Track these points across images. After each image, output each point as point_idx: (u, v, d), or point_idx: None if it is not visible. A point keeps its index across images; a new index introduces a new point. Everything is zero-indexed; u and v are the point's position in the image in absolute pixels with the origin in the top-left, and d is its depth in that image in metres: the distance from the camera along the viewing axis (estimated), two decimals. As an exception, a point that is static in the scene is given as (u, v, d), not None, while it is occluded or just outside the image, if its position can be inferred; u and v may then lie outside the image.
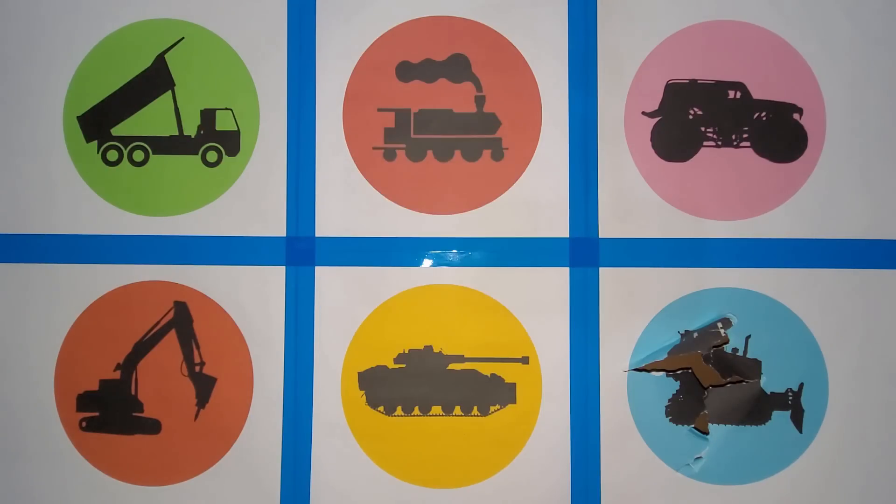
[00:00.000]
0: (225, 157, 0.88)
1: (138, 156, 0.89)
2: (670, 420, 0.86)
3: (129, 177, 0.88)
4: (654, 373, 0.86)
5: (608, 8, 0.88)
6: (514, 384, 0.86)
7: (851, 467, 0.85)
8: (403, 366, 0.87)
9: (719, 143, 0.87)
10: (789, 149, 0.87)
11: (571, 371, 0.86)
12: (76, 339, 0.88)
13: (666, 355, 0.86)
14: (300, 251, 0.87)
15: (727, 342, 0.85)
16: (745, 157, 0.87)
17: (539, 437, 0.86)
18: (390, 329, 0.87)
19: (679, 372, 0.86)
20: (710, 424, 0.86)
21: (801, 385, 0.85)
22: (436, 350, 0.87)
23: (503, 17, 0.88)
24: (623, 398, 0.85)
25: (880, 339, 0.86)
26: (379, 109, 0.88)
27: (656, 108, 0.88)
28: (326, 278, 0.87)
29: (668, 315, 0.86)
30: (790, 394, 0.85)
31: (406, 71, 0.89)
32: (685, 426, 0.86)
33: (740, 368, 0.85)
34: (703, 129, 0.88)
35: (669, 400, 0.86)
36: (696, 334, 0.86)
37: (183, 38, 0.89)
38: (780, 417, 0.85)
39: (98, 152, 0.89)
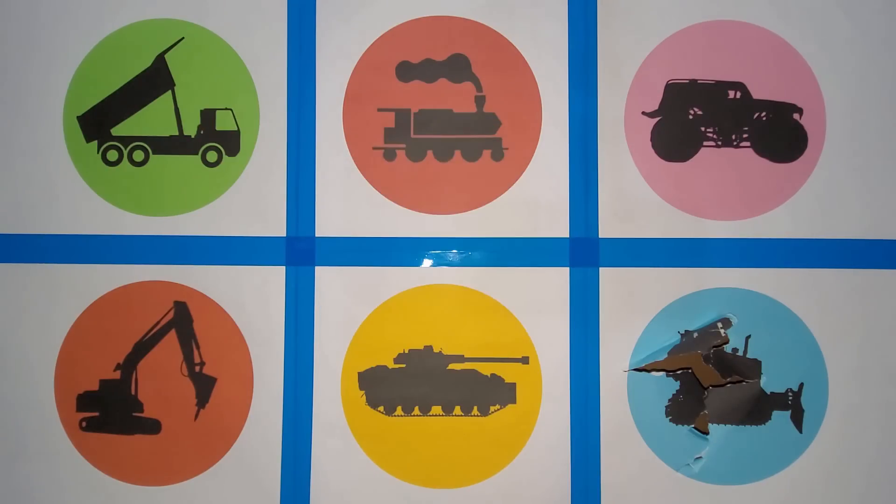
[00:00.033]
0: (225, 157, 0.88)
1: (138, 156, 0.89)
2: (670, 420, 0.86)
3: (129, 177, 0.88)
4: (654, 373, 0.86)
5: (608, 8, 0.88)
6: (514, 384, 0.86)
7: (851, 467, 0.85)
8: (403, 366, 0.87)
9: (719, 143, 0.87)
10: (789, 149, 0.87)
11: (571, 371, 0.86)
12: (76, 339, 0.88)
13: (666, 355, 0.86)
14: (300, 251, 0.87)
15: (727, 342, 0.85)
16: (745, 157, 0.87)
17: (539, 437, 0.86)
18: (390, 329, 0.87)
19: (679, 372, 0.86)
20: (710, 424, 0.86)
21: (801, 385, 0.85)
22: (436, 350, 0.87)
23: (503, 17, 0.88)
24: (623, 398, 0.85)
25: (880, 339, 0.86)
26: (379, 109, 0.88)
27: (656, 108, 0.88)
28: (326, 278, 0.87)
29: (668, 315, 0.86)
30: (790, 394, 0.85)
31: (406, 71, 0.89)
32: (685, 426, 0.86)
33: (740, 368, 0.85)
34: (703, 129, 0.88)
35: (669, 400, 0.86)
36: (696, 334, 0.86)
37: (183, 38, 0.89)
38: (780, 417, 0.85)
39: (98, 152, 0.89)
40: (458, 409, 0.86)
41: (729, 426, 0.86)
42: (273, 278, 0.87)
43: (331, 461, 0.86)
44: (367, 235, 0.87)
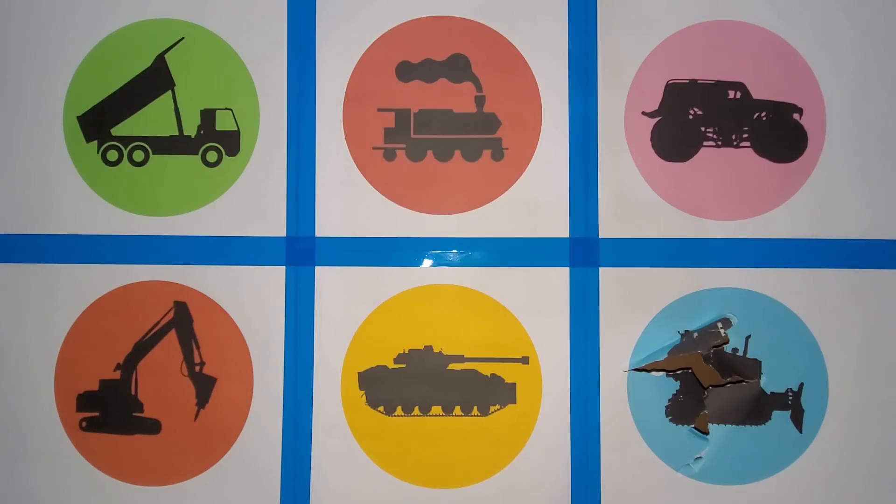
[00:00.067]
0: (225, 157, 0.88)
1: (138, 156, 0.89)
2: (670, 420, 0.86)
3: (129, 177, 0.88)
4: (654, 373, 0.86)
5: (608, 8, 0.88)
6: (514, 384, 0.86)
7: (851, 467, 0.85)
8: (403, 366, 0.87)
9: (719, 143, 0.87)
10: (789, 149, 0.87)
11: (571, 371, 0.86)
12: (76, 339, 0.88)
13: (666, 355, 0.86)
14: (300, 251, 0.87)
15: (727, 342, 0.85)
16: (745, 157, 0.87)
17: (539, 437, 0.86)
18: (390, 329, 0.87)
19: (679, 372, 0.86)
20: (710, 424, 0.86)
21: (801, 385, 0.85)
22: (436, 350, 0.87)
23: (503, 17, 0.88)
24: (623, 398, 0.85)
25: (880, 339, 0.86)
26: (379, 109, 0.88)
27: (656, 108, 0.88)
28: (326, 278, 0.87)
29: (668, 315, 0.86)
30: (790, 394, 0.85)
31: (406, 71, 0.89)
32: (685, 426, 0.86)
33: (740, 368, 0.85)
34: (703, 129, 0.88)
35: (669, 400, 0.86)
36: (696, 334, 0.86)
37: (183, 38, 0.89)
38: (780, 417, 0.85)
39: (98, 152, 0.89)
40: (458, 409, 0.86)
41: (729, 426, 0.86)
42: (273, 278, 0.87)
43: (331, 461, 0.86)
44: (367, 235, 0.87)
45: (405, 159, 0.88)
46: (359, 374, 0.87)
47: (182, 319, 0.87)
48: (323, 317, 0.87)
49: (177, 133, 0.89)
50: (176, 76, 0.89)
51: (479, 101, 0.88)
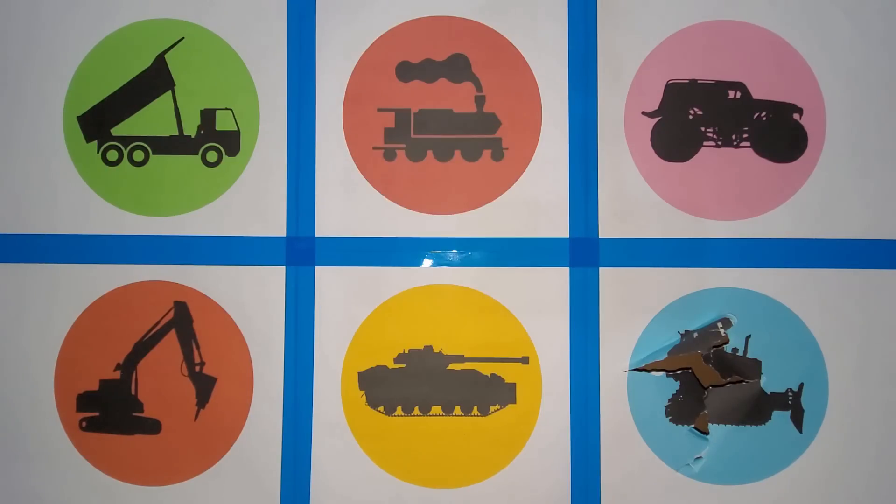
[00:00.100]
0: (225, 157, 0.88)
1: (138, 156, 0.89)
2: (670, 420, 0.86)
3: (129, 177, 0.88)
4: (654, 373, 0.86)
5: (608, 8, 0.88)
6: (514, 384, 0.86)
7: (851, 467, 0.85)
8: (403, 366, 0.87)
9: (719, 143, 0.87)
10: (789, 149, 0.87)
11: (571, 371, 0.86)
12: (76, 339, 0.88)
13: (666, 355, 0.86)
14: (300, 251, 0.87)
15: (727, 342, 0.85)
16: (745, 157, 0.87)
17: (539, 437, 0.86)
18: (390, 329, 0.87)
19: (679, 372, 0.86)
20: (710, 424, 0.86)
21: (801, 385, 0.85)
22: (436, 350, 0.87)
23: (503, 17, 0.88)
24: (623, 398, 0.85)
25: (880, 339, 0.86)
26: (379, 109, 0.88)
27: (656, 108, 0.88)
28: (326, 278, 0.87)
29: (668, 315, 0.86)
30: (790, 394, 0.85)
31: (406, 71, 0.89)
32: (685, 426, 0.86)
33: (740, 368, 0.85)
34: (703, 129, 0.88)
35: (669, 400, 0.86)
36: (696, 334, 0.86)
37: (183, 38, 0.89)
38: (780, 417, 0.85)
39: (98, 152, 0.89)
40: (458, 409, 0.86)
41: (729, 426, 0.85)
42: (273, 278, 0.87)
43: (331, 461, 0.86)
44: (367, 235, 0.87)
45: (405, 159, 0.88)
46: (359, 374, 0.87)
47: (182, 319, 0.87)
48: (323, 317, 0.87)
49: (177, 133, 0.89)
50: (176, 76, 0.89)
51: (479, 101, 0.88)
